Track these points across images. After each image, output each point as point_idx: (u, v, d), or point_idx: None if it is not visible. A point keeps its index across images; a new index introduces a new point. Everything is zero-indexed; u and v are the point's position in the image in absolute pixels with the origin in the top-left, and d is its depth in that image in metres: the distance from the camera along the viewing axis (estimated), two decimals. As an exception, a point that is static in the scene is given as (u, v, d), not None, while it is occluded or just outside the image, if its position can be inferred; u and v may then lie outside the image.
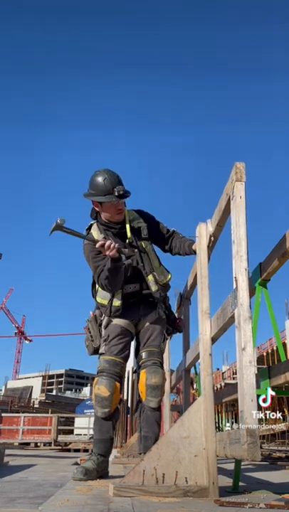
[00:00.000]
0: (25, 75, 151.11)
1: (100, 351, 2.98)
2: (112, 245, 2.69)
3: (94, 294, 3.16)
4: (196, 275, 2.82)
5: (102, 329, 3.03)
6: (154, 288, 2.99)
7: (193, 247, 2.96)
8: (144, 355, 3.00)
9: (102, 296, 3.03)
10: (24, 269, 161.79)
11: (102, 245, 2.70)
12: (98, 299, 3.07)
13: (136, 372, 3.16)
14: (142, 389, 2.92)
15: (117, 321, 2.98)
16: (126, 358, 3.00)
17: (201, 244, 2.58)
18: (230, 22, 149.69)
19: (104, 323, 3.02)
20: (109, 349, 2.93)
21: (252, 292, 2.77)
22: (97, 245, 2.72)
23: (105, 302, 3.01)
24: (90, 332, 3.12)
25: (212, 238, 2.54)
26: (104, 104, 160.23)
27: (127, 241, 2.99)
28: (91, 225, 3.08)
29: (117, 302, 2.96)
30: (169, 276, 3.15)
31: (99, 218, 3.04)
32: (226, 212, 2.24)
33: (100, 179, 2.87)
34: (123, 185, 2.89)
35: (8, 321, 75.99)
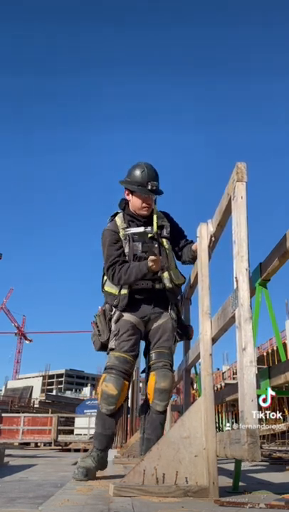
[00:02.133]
0: (25, 74, 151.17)
1: (110, 346, 2.92)
2: (157, 259, 2.84)
3: (103, 286, 3.13)
4: (196, 275, 2.82)
5: (112, 324, 2.98)
6: (168, 284, 2.97)
7: (194, 247, 2.96)
8: (154, 356, 2.94)
9: (110, 285, 3.02)
10: (24, 269, 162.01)
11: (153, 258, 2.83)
12: (106, 288, 3.05)
13: (144, 372, 3.13)
14: (150, 391, 2.89)
15: (127, 317, 2.94)
16: (136, 356, 2.97)
17: (202, 245, 2.57)
18: (231, 22, 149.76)
19: (114, 317, 2.97)
20: (119, 344, 2.88)
21: (252, 292, 2.77)
22: (151, 258, 2.83)
23: (113, 291, 3.00)
24: (97, 327, 3.05)
25: (213, 238, 2.54)
26: (103, 104, 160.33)
27: (149, 235, 2.98)
28: (116, 213, 3.10)
29: (124, 290, 2.94)
30: (183, 279, 3.15)
31: (126, 209, 3.07)
32: (227, 212, 2.23)
33: (138, 170, 2.97)
34: (158, 182, 2.96)
35: (8, 321, 76.11)
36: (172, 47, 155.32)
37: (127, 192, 3.04)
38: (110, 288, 3.02)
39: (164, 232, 3.06)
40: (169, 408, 4.95)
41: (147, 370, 2.99)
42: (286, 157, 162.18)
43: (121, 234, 2.99)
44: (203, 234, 2.58)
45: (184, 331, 3.18)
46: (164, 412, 2.92)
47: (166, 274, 2.99)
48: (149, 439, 2.86)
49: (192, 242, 3.14)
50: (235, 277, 1.97)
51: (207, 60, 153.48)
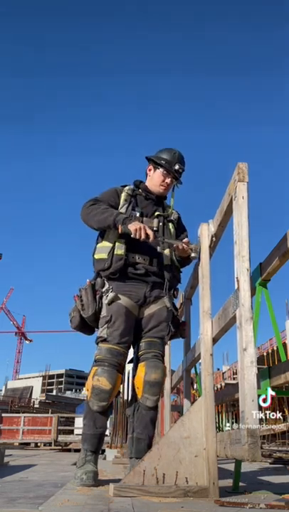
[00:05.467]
0: (22, 75, 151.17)
1: (101, 335, 2.66)
2: (143, 228, 2.63)
3: (93, 255, 2.89)
4: (197, 275, 2.82)
5: (104, 306, 2.70)
6: (166, 261, 2.79)
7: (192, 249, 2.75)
8: (143, 345, 2.71)
9: (101, 251, 2.77)
10: (24, 269, 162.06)
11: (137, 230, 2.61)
12: (96, 256, 2.79)
13: (131, 362, 2.83)
14: (138, 385, 2.64)
15: (122, 301, 2.69)
16: (129, 347, 2.73)
17: (203, 245, 2.57)
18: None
19: (108, 298, 2.69)
20: (111, 334, 2.63)
21: (252, 292, 2.76)
22: (135, 223, 2.64)
23: (103, 255, 2.74)
24: (81, 301, 2.74)
25: (214, 238, 2.54)
26: (103, 105, 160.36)
27: (157, 213, 2.88)
28: (128, 185, 2.97)
29: (120, 250, 2.70)
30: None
31: (141, 184, 2.97)
32: (228, 212, 2.24)
33: (169, 151, 2.94)
34: (184, 169, 2.94)
35: (8, 321, 76.16)
36: (172, 46, 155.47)
37: (150, 167, 2.97)
38: (100, 254, 2.76)
39: (172, 217, 2.94)
40: (168, 408, 4.96)
41: (136, 361, 2.75)
42: (287, 157, 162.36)
43: (123, 194, 2.87)
44: (204, 234, 2.58)
45: (179, 329, 2.93)
46: (155, 408, 2.67)
47: (167, 251, 2.81)
48: (139, 438, 2.61)
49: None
50: (237, 277, 1.97)
51: (208, 60, 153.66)
